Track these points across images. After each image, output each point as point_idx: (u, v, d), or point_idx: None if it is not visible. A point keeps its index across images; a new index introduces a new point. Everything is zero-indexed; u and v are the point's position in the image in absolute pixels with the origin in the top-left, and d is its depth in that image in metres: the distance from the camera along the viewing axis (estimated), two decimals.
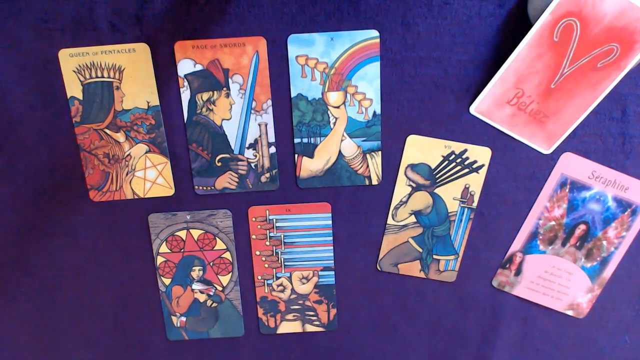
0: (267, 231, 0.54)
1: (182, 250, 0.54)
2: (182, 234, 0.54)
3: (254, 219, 0.54)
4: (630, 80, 0.49)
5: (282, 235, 0.54)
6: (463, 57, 0.49)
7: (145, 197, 0.52)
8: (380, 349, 0.58)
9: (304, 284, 0.56)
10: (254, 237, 0.54)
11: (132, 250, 0.54)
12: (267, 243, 0.54)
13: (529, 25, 0.46)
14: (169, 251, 0.54)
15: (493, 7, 0.48)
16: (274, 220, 0.54)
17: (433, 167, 0.52)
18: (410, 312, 0.57)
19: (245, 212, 0.53)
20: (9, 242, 0.54)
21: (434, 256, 0.55)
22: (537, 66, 0.47)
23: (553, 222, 0.53)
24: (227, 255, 0.55)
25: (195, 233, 0.54)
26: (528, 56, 0.47)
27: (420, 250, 0.54)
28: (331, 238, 0.54)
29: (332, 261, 0.55)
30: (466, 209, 0.53)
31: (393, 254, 0.55)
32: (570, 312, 0.56)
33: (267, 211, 0.53)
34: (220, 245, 0.54)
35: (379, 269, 0.55)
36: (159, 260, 0.55)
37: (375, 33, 0.48)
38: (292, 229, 0.54)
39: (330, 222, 0.54)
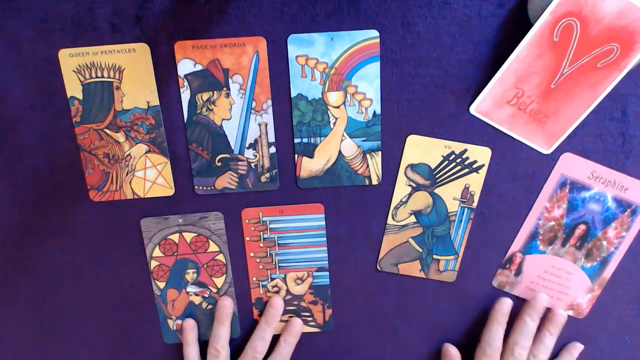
0: (261, 233, 0.54)
1: (176, 254, 0.54)
2: (175, 237, 0.54)
3: (247, 221, 0.53)
4: (630, 80, 0.49)
5: (276, 237, 0.54)
6: (463, 57, 0.49)
7: (145, 197, 0.52)
8: (379, 349, 0.58)
9: (298, 284, 0.56)
10: (247, 238, 0.54)
11: (131, 251, 0.54)
12: (261, 245, 0.54)
13: (529, 25, 0.46)
14: (162, 255, 0.54)
15: (493, 7, 0.48)
16: (268, 221, 0.54)
17: (433, 167, 0.52)
18: (410, 312, 0.57)
19: (241, 214, 0.53)
20: (9, 242, 0.54)
21: (434, 256, 0.55)
22: (537, 66, 0.47)
23: (553, 223, 0.53)
24: (221, 257, 0.55)
25: (188, 236, 0.54)
26: (528, 56, 0.47)
27: (420, 250, 0.54)
28: (325, 239, 0.54)
29: (327, 262, 0.55)
30: (466, 209, 0.53)
31: (393, 254, 0.55)
32: (570, 312, 0.56)
33: (261, 213, 0.53)
34: (213, 247, 0.54)
35: (378, 269, 0.55)
36: (153, 264, 0.55)
37: (375, 33, 0.48)
38: (286, 230, 0.54)
39: (323, 222, 0.54)
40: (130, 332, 0.57)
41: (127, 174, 0.52)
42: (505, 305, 0.54)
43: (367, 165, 0.52)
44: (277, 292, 0.56)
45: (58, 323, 0.57)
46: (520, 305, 0.56)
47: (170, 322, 0.57)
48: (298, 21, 0.48)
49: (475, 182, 0.52)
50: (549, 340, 0.54)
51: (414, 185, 0.53)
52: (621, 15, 0.44)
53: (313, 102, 0.50)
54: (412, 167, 0.52)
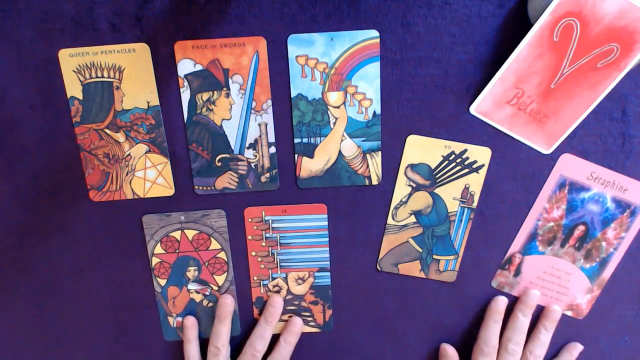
0: (263, 232, 0.54)
1: (177, 251, 0.54)
2: (177, 234, 0.54)
3: (250, 220, 0.54)
4: (630, 80, 0.49)
5: (278, 236, 0.54)
6: (463, 57, 0.49)
7: (145, 197, 0.52)
8: (379, 349, 0.58)
9: (299, 284, 0.56)
10: (250, 237, 0.54)
11: (131, 250, 0.54)
12: (263, 244, 0.54)
13: (529, 25, 0.46)
14: (164, 252, 0.54)
15: (493, 7, 0.48)
16: (270, 221, 0.54)
17: (433, 167, 0.52)
18: (410, 312, 0.57)
19: (244, 213, 0.53)
20: (9, 242, 0.54)
21: (434, 256, 0.55)
22: (537, 66, 0.47)
23: (552, 223, 0.53)
24: (222, 255, 0.55)
25: (190, 233, 0.54)
26: (528, 56, 0.47)
27: (420, 250, 0.54)
28: (327, 239, 0.54)
29: (328, 262, 0.55)
30: (466, 209, 0.53)
31: (393, 254, 0.55)
32: (569, 313, 0.56)
33: (263, 212, 0.53)
34: (215, 245, 0.54)
35: (378, 269, 0.55)
36: (154, 261, 0.55)
37: (375, 33, 0.48)
38: (288, 230, 0.54)
39: (326, 223, 0.54)
40: (130, 330, 0.57)
41: (127, 174, 0.52)
42: (500, 303, 0.55)
43: (367, 165, 0.52)
44: (278, 292, 0.56)
45: (57, 323, 0.57)
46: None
47: (170, 319, 0.57)
48: (298, 21, 0.48)
49: (475, 182, 0.52)
50: (545, 337, 0.54)
51: (414, 185, 0.53)
52: (621, 15, 0.44)
53: (313, 102, 0.50)
54: (412, 167, 0.52)
